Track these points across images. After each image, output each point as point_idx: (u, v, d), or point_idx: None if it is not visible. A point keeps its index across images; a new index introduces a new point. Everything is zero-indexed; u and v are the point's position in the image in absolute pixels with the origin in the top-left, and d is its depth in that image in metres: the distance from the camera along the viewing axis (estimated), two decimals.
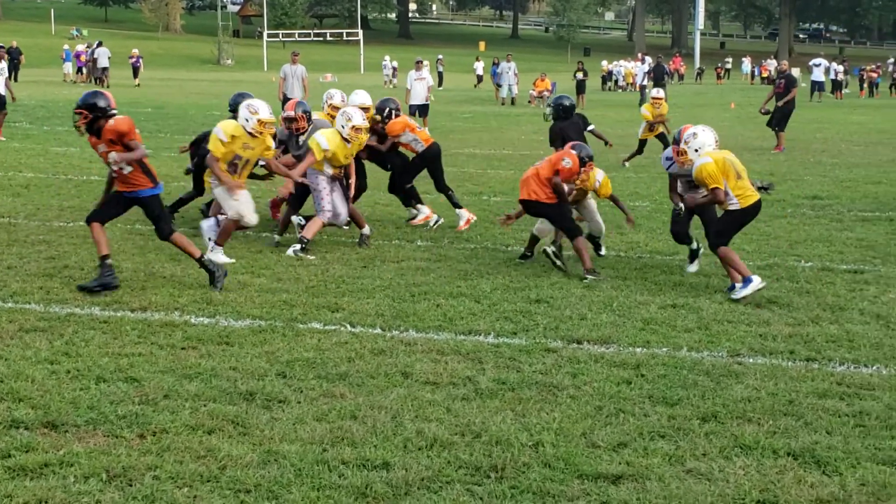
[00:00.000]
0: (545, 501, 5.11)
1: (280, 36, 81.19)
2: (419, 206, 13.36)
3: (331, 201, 11.45)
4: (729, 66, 72.74)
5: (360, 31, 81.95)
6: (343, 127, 11.38)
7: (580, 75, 43.91)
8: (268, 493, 5.13)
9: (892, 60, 59.43)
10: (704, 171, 9.44)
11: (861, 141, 26.42)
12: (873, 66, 56.89)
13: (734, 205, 9.51)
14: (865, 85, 55.04)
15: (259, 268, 10.45)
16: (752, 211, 9.62)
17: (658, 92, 21.32)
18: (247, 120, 10.65)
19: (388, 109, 13.18)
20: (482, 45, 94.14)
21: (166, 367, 7.10)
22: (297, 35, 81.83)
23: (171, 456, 5.54)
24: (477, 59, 62.85)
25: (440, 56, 59.42)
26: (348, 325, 8.35)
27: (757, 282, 9.28)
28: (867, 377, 7.12)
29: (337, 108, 12.91)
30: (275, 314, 8.62)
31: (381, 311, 8.84)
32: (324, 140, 11.27)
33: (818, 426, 6.14)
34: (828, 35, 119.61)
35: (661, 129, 20.91)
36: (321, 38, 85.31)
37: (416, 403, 6.47)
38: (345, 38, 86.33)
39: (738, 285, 9.42)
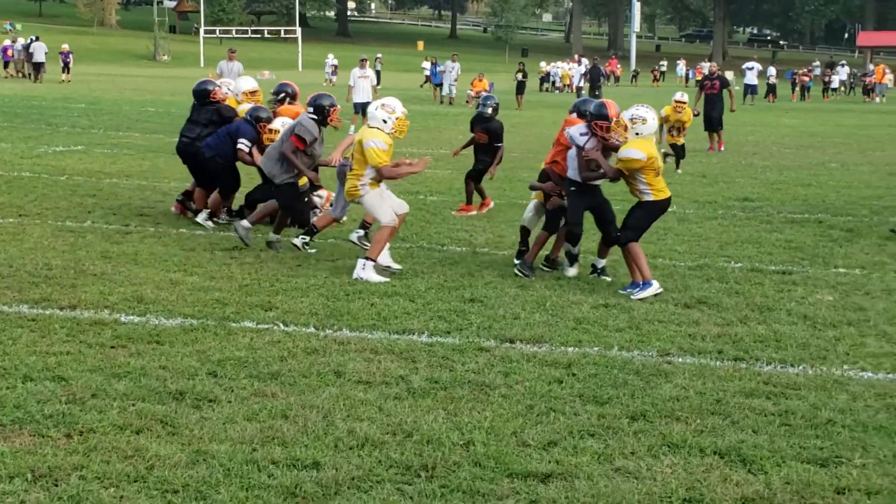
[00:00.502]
0: (475, 500, 5.13)
1: (217, 32, 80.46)
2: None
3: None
4: (664, 68, 73.46)
5: (299, 29, 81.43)
6: (386, 121, 10.91)
7: (520, 76, 44.10)
8: (196, 493, 5.09)
9: (817, 64, 60.42)
10: (634, 162, 9.52)
11: (792, 144, 26.83)
12: (805, 70, 57.85)
13: (648, 196, 9.67)
14: (797, 88, 55.95)
15: (192, 266, 10.36)
16: (665, 205, 9.83)
17: (682, 96, 19.93)
18: (385, 121, 10.70)
19: (283, 94, 13.20)
20: (420, 44, 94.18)
21: (95, 366, 7.01)
22: (234, 32, 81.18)
23: (98, 456, 5.47)
24: (426, 59, 62.66)
25: (379, 55, 59.29)
26: (281, 324, 8.31)
27: (655, 287, 9.32)
28: (793, 377, 7.23)
29: (252, 94, 13.06)
30: (207, 313, 8.56)
31: (315, 309, 8.81)
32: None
33: (745, 425, 6.24)
34: (769, 38, 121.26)
35: (680, 139, 19.79)
36: (259, 36, 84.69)
37: (348, 403, 6.46)
38: (283, 35, 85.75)
39: (638, 287, 9.52)
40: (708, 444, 5.88)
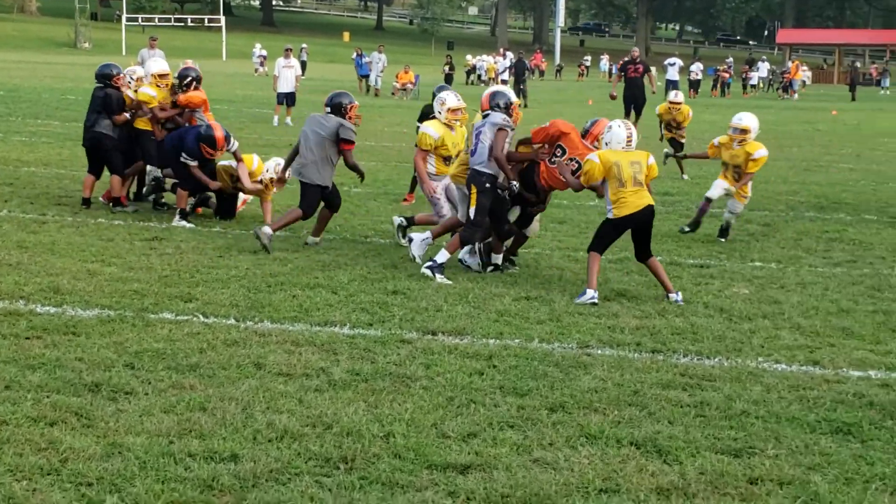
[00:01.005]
0: (394, 492, 5.14)
1: (140, 20, 79.25)
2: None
3: (448, 205, 11.11)
4: (588, 63, 74.06)
5: (223, 18, 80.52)
6: (440, 113, 11.03)
7: (447, 69, 44.19)
8: (110, 486, 5.03)
9: (730, 61, 61.36)
10: (586, 165, 9.56)
11: (711, 139, 27.16)
12: (726, 67, 58.69)
13: (609, 212, 9.46)
14: (718, 85, 56.76)
15: (110, 256, 10.21)
16: (626, 222, 9.41)
17: (676, 96, 18.69)
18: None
19: (188, 78, 12.99)
20: (346, 35, 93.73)
21: (9, 358, 6.88)
22: (157, 20, 80.00)
23: (11, 448, 5.38)
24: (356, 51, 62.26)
25: (304, 45, 58.91)
26: (201, 316, 8.24)
27: (589, 295, 9.18)
28: (709, 369, 7.35)
29: (161, 77, 12.92)
30: (125, 304, 8.44)
31: (236, 301, 8.75)
32: (430, 129, 10.96)
33: (661, 416, 6.32)
34: (736, 39, 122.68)
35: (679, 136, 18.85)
36: (182, 24, 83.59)
37: (268, 395, 6.42)
38: (207, 24, 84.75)
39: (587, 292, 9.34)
40: (625, 435, 5.95)
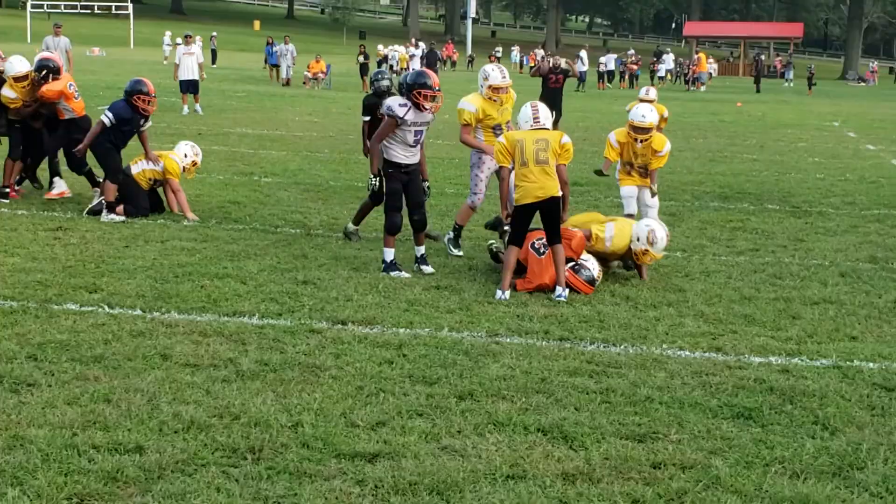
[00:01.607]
0: (302, 481, 5.13)
1: (45, 7, 77.47)
2: (58, 179, 13.30)
3: (482, 185, 10.91)
4: (499, 54, 74.37)
5: (131, 5, 79.10)
6: (482, 86, 10.85)
7: (362, 59, 44.00)
8: (12, 478, 4.94)
9: (632, 52, 62.16)
10: (495, 146, 9.63)
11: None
12: (634, 59, 59.44)
13: (512, 197, 9.46)
14: (626, 76, 57.50)
15: (13, 246, 10.01)
16: (531, 208, 9.23)
17: (648, 93, 16.37)
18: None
19: (44, 71, 12.64)
20: (257, 23, 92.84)
21: None
22: (62, 7, 78.26)
23: None
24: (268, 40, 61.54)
25: (214, 33, 58.26)
26: (106, 307, 8.12)
27: (499, 295, 9.11)
28: (615, 356, 7.46)
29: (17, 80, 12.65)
30: (28, 294, 8.29)
31: (143, 291, 8.64)
32: (466, 103, 10.80)
33: (567, 403, 6.40)
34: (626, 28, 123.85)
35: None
36: (89, 11, 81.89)
37: (175, 386, 6.36)
38: (114, 11, 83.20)
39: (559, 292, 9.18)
40: (532, 422, 6.02)
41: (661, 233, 9.80)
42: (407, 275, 9.65)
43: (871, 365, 7.31)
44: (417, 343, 7.56)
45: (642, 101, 15.09)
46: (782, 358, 7.46)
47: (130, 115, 11.82)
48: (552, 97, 24.66)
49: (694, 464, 5.50)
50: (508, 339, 7.79)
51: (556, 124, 24.44)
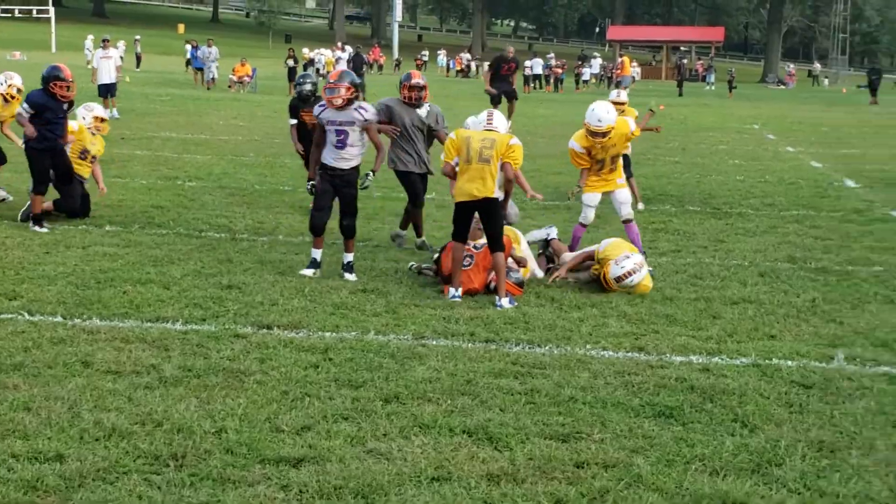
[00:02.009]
0: (225, 487, 5.10)
1: None
2: None
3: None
4: (426, 58, 74.52)
5: (52, 9, 77.68)
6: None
7: (291, 62, 43.78)
8: None
9: (551, 56, 62.71)
10: (445, 141, 9.70)
11: (545, 133, 27.71)
12: (559, 63, 59.95)
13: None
14: (552, 80, 57.94)
15: None
16: (465, 207, 9.26)
17: (619, 95, 15.51)
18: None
19: None
20: (181, 27, 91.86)
21: None
22: None
23: None
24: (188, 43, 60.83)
25: (137, 37, 57.54)
26: (26, 314, 8.00)
27: (451, 293, 9.25)
28: (540, 356, 7.52)
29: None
30: None
31: (63, 298, 8.52)
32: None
33: (493, 404, 6.44)
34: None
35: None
36: (9, 15, 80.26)
37: (96, 393, 6.28)
38: (35, 14, 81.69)
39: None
40: (457, 424, 6.04)
41: (637, 279, 9.51)
42: (356, 278, 9.74)
43: (789, 363, 7.46)
44: (343, 347, 7.55)
45: (613, 103, 14.04)
46: (703, 357, 7.58)
47: (46, 100, 11.54)
48: (505, 83, 25.96)
49: (616, 463, 5.56)
50: (434, 342, 7.82)
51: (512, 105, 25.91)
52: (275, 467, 5.34)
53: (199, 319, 8.12)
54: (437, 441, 5.81)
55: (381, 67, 70.65)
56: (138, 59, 55.74)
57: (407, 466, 5.42)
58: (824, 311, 9.05)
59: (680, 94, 53.55)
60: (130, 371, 6.76)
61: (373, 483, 5.18)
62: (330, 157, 9.73)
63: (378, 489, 5.14)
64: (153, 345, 7.39)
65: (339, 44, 62.00)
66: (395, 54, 76.80)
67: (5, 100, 12.91)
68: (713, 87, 65.37)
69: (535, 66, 56.43)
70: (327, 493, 5.07)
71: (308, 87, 13.16)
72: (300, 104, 13.20)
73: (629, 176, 13.47)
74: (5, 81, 12.99)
